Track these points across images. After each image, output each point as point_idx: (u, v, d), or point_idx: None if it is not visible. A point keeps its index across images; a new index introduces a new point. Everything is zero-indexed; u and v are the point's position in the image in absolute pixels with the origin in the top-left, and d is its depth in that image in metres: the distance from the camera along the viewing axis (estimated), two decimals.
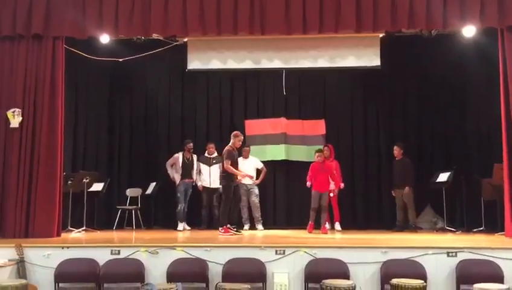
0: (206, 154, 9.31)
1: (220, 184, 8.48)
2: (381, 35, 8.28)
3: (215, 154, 9.22)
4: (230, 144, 8.09)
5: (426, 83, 9.80)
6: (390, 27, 7.31)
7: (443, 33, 8.23)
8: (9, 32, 7.27)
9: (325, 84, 10.13)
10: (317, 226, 8.22)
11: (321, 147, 8.97)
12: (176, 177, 9.18)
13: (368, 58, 8.48)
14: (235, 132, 8.25)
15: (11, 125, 7.13)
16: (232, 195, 7.98)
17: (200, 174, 9.30)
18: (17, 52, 7.30)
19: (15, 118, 7.12)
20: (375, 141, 9.96)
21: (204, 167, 9.25)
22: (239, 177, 8.18)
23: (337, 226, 9.01)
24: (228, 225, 7.81)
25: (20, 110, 7.15)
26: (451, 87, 9.64)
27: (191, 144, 9.29)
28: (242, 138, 8.28)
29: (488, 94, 8.60)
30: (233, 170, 7.90)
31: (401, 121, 9.99)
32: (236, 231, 7.90)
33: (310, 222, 8.19)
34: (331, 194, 8.65)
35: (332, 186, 8.59)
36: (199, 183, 9.30)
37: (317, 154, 8.35)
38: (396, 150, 9.18)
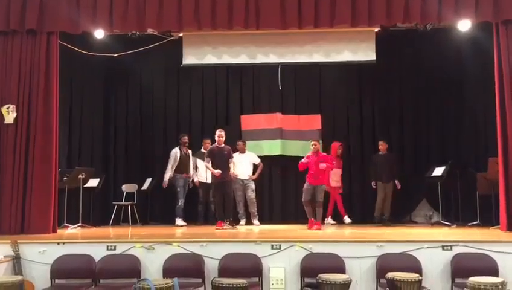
0: (202, 150, 9.30)
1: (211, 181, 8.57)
2: (376, 29, 8.29)
3: None
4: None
5: (421, 77, 9.81)
6: (385, 21, 7.30)
7: (438, 27, 8.26)
8: (3, 28, 7.22)
9: (320, 79, 10.12)
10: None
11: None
12: (170, 171, 9.12)
13: (363, 52, 8.50)
14: (217, 130, 8.35)
15: (6, 122, 7.09)
16: (223, 191, 8.10)
17: (196, 170, 9.30)
18: (11, 47, 7.25)
19: (9, 114, 7.09)
20: (370, 135, 9.96)
21: (200, 163, 9.23)
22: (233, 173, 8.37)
23: (330, 220, 9.10)
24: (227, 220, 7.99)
25: (14, 106, 7.11)
26: (447, 81, 9.66)
27: (186, 138, 9.28)
28: (221, 133, 8.24)
29: (483, 88, 8.62)
30: (210, 167, 8.11)
31: (397, 115, 9.99)
32: (229, 226, 7.95)
33: (310, 219, 7.96)
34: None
35: (337, 183, 8.82)
36: (196, 179, 9.30)
37: (312, 142, 8.21)
38: (383, 145, 9.15)
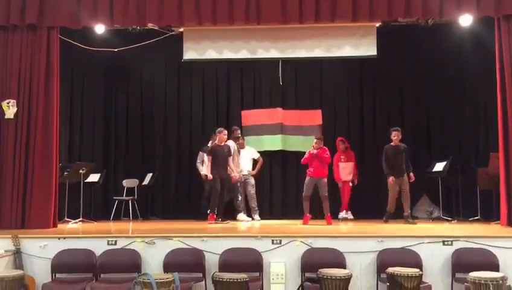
0: (209, 145, 9.25)
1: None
2: (377, 24, 8.25)
3: None
4: (216, 140, 8.32)
5: (423, 72, 9.79)
6: (386, 16, 7.30)
7: (440, 22, 8.22)
8: (3, 23, 7.22)
9: (321, 74, 10.10)
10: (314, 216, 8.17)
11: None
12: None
13: (365, 47, 8.44)
14: (218, 129, 8.41)
15: (6, 117, 7.10)
16: (221, 187, 8.17)
17: (203, 165, 9.23)
18: (12, 42, 7.26)
19: (10, 109, 7.09)
20: (371, 131, 9.95)
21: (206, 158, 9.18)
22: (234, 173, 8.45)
23: (347, 214, 9.07)
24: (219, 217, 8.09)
25: (15, 101, 7.12)
26: (448, 76, 9.63)
27: (239, 132, 9.12)
28: (226, 132, 8.37)
29: (484, 83, 8.60)
30: (208, 168, 8.19)
31: (398, 110, 9.97)
32: (222, 221, 8.03)
33: (305, 214, 7.92)
34: (351, 184, 9.04)
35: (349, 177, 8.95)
36: (202, 173, 9.20)
37: (315, 140, 8.13)
38: (398, 135, 8.24)
